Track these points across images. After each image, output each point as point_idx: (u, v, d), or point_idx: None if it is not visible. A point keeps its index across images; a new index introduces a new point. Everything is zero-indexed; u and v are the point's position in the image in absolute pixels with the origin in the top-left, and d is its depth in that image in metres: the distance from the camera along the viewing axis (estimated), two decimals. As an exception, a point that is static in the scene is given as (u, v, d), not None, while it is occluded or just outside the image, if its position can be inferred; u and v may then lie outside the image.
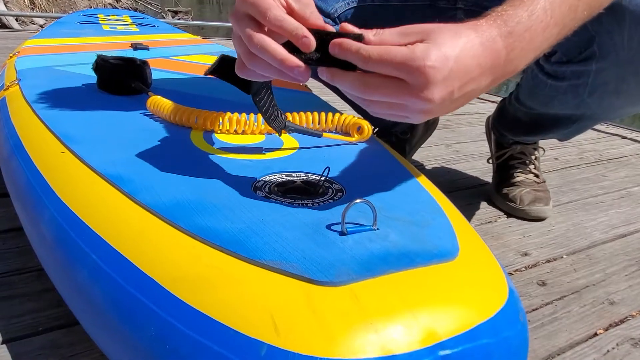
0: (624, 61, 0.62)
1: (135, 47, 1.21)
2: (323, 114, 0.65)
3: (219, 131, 0.63)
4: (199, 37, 1.65)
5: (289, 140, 0.61)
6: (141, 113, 0.67)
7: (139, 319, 0.33)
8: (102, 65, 0.76)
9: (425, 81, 0.34)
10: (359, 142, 0.63)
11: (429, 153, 1.21)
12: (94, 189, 0.45)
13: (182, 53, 1.24)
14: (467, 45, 0.36)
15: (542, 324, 0.60)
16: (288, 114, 0.66)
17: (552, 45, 0.41)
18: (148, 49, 1.21)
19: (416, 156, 1.15)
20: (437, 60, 0.34)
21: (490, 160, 1.00)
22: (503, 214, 0.89)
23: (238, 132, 0.63)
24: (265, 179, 0.48)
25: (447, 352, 0.31)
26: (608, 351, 0.56)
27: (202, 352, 0.30)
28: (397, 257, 0.36)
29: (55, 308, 0.52)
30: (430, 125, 1.07)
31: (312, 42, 0.37)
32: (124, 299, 0.34)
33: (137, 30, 1.61)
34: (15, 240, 0.64)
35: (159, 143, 0.57)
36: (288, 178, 0.49)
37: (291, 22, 0.37)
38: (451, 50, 0.35)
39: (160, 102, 0.65)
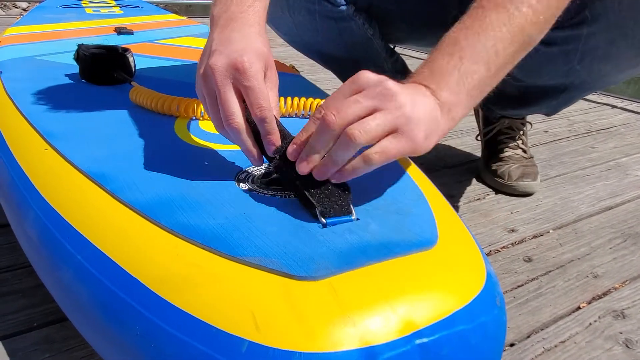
0: (614, 24, 0.64)
1: (119, 31, 1.19)
2: (303, 98, 0.65)
3: (201, 118, 0.63)
4: (185, 18, 1.62)
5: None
6: (124, 104, 0.67)
7: (124, 318, 0.34)
8: (84, 55, 0.75)
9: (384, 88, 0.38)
10: None
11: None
12: (78, 188, 0.45)
13: (168, 36, 1.22)
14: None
15: (526, 300, 0.61)
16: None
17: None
18: (132, 33, 1.19)
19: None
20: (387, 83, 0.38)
21: (479, 137, 1.00)
22: (492, 190, 0.90)
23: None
24: (249, 170, 0.49)
25: (424, 340, 0.32)
26: (590, 324, 0.57)
27: (186, 350, 0.31)
28: (376, 248, 0.36)
29: (49, 303, 0.53)
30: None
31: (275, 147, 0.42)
32: (110, 299, 0.35)
33: (122, 12, 1.58)
34: (6, 236, 0.65)
35: (142, 136, 0.57)
36: (271, 168, 0.49)
37: (272, 127, 0.41)
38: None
39: (142, 94, 0.65)
